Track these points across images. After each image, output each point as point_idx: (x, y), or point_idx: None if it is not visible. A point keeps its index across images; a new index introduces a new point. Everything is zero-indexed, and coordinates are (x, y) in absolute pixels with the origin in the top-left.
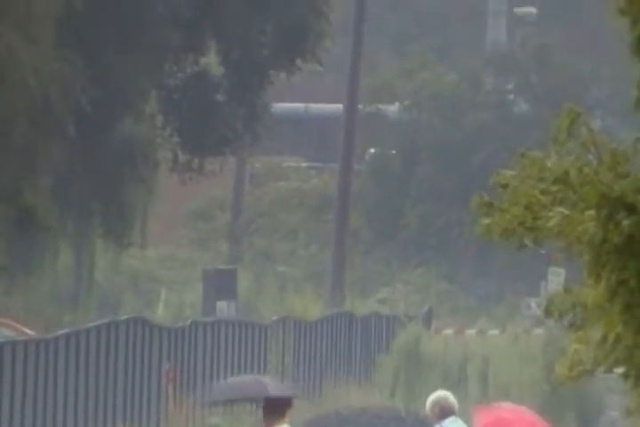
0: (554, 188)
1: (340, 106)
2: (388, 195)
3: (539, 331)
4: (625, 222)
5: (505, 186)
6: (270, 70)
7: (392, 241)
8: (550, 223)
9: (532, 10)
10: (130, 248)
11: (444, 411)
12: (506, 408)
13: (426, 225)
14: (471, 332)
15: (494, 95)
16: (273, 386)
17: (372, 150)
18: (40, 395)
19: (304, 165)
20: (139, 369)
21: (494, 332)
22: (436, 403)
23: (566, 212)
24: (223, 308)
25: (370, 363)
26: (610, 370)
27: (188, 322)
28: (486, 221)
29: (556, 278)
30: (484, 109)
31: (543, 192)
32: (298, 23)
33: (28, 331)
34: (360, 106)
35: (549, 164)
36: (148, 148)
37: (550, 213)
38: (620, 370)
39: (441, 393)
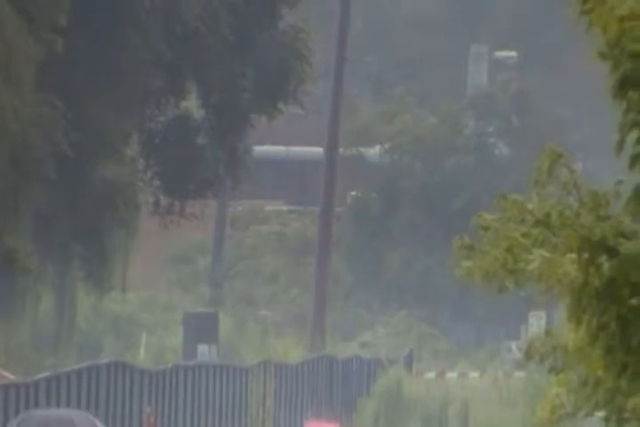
0: (535, 230)
1: (320, 149)
2: (369, 238)
3: (519, 374)
4: (606, 266)
5: (486, 228)
6: (251, 113)
7: (373, 284)
8: (531, 266)
9: (513, 53)
10: (111, 292)
11: None
12: None
13: (407, 268)
14: (452, 375)
15: (475, 139)
16: None
17: (353, 193)
18: None
19: (285, 208)
20: (119, 413)
21: (475, 375)
22: None
23: (547, 255)
24: (204, 351)
25: (351, 406)
26: (591, 413)
27: (169, 366)
28: (467, 263)
29: (536, 322)
30: (464, 153)
31: (524, 235)
32: (279, 66)
33: (8, 375)
34: (341, 149)
35: (530, 206)
36: (129, 191)
37: (531, 256)
38: (600, 414)
39: None
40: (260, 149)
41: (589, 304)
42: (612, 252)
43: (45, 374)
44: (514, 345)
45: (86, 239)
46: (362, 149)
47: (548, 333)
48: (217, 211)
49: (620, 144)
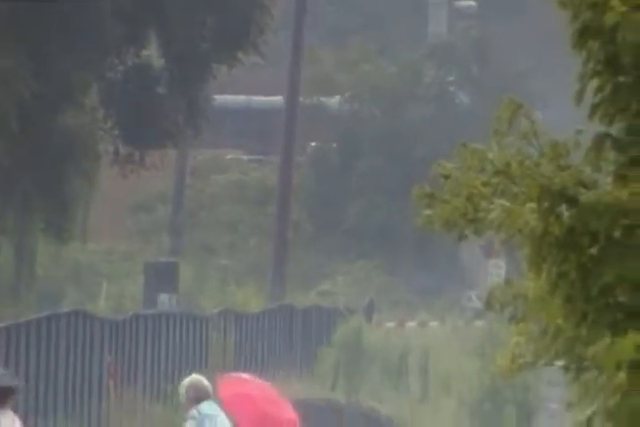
0: (495, 180)
1: (281, 98)
2: (329, 187)
3: (479, 323)
4: (566, 215)
5: (446, 177)
6: (212, 63)
7: (333, 233)
8: (491, 215)
9: (472, 3)
10: (71, 241)
11: (198, 394)
12: (252, 384)
13: (367, 217)
14: (412, 324)
15: (435, 87)
16: None
17: (313, 143)
18: None
19: (245, 157)
20: (79, 362)
21: (435, 324)
22: (191, 386)
23: (507, 204)
24: (164, 300)
25: (311, 355)
26: (550, 363)
27: (129, 315)
28: (427, 212)
29: (496, 271)
30: (425, 102)
31: (484, 184)
32: (240, 16)
33: None
34: (301, 98)
35: (490, 155)
36: (89, 141)
37: (491, 206)
38: (560, 363)
39: (195, 377)
40: (221, 99)
41: (549, 253)
42: (572, 201)
43: (5, 323)
44: (473, 294)
45: (46, 189)
46: (322, 99)
47: (507, 282)
48: (177, 160)
49: (580, 94)
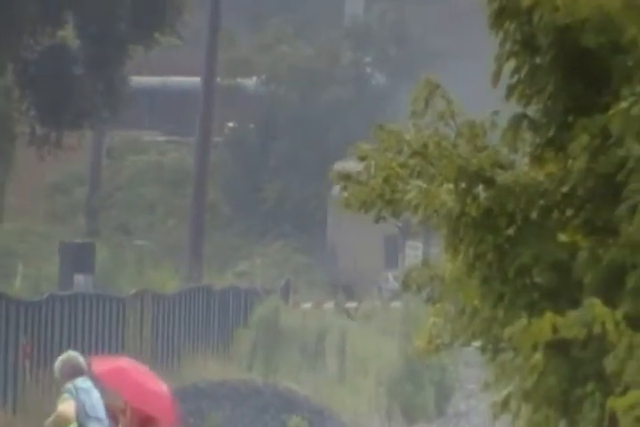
0: (412, 161)
1: (198, 80)
2: (246, 169)
3: (396, 304)
4: (483, 196)
5: (363, 158)
6: (128, 44)
7: (250, 215)
8: (408, 196)
9: None
10: None
11: (74, 370)
12: (122, 359)
13: (284, 199)
14: (329, 305)
15: (352, 69)
16: None
17: (231, 124)
18: None
19: (162, 138)
20: None
21: (352, 305)
22: (66, 362)
23: (424, 185)
24: (80, 281)
25: (228, 336)
26: (467, 343)
27: (45, 296)
28: (344, 194)
29: (413, 252)
30: (342, 83)
31: (401, 165)
32: None
33: None
34: (218, 80)
35: (407, 137)
36: (4, 122)
37: (408, 187)
38: (477, 343)
39: (70, 353)
40: (138, 80)
41: (466, 234)
42: (489, 182)
43: None
44: (391, 275)
45: None
46: (239, 80)
47: (424, 263)
48: (93, 141)
49: (497, 75)
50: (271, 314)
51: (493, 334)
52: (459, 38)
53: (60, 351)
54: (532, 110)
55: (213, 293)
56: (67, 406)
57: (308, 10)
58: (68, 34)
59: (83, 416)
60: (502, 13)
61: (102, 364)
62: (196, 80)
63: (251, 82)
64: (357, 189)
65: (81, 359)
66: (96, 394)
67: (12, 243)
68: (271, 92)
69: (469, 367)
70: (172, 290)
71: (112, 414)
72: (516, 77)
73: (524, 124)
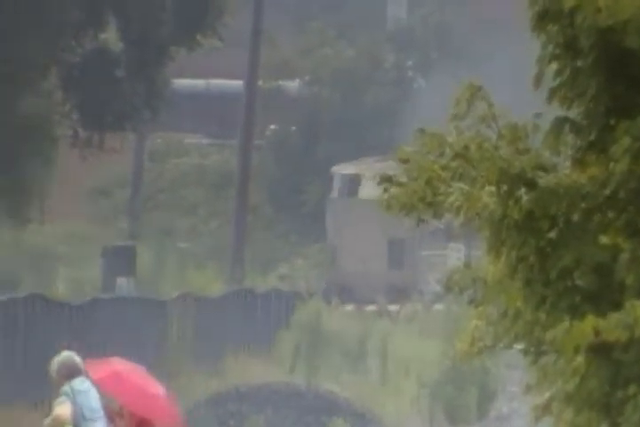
0: (454, 163)
1: (240, 82)
2: (287, 171)
3: (438, 307)
4: (525, 199)
5: (405, 161)
6: (170, 46)
7: (292, 217)
8: (450, 199)
9: None
10: (29, 225)
11: (70, 371)
12: (117, 362)
13: (325, 200)
14: (372, 307)
15: (394, 72)
16: None
17: (273, 127)
18: None
19: (204, 141)
20: (38, 346)
21: (394, 308)
22: (63, 364)
23: (466, 188)
24: (123, 284)
25: (270, 339)
26: (510, 346)
27: (88, 299)
28: (386, 196)
29: (455, 254)
30: (383, 86)
31: (443, 168)
32: None
33: None
34: (260, 82)
35: (449, 139)
36: (47, 124)
37: (450, 189)
38: (519, 346)
39: (66, 353)
40: (180, 82)
41: (508, 237)
42: (531, 185)
43: None
44: (432, 278)
45: (4, 172)
46: (281, 83)
47: (467, 265)
48: (136, 144)
49: (539, 77)
50: (313, 316)
51: (535, 336)
52: (500, 41)
53: (103, 354)
54: (574, 113)
55: (256, 295)
56: (63, 409)
57: (350, 12)
58: (111, 37)
59: (79, 419)
60: (544, 16)
61: (98, 369)
62: (238, 83)
63: (293, 84)
64: (398, 191)
65: (77, 359)
66: (94, 394)
67: (54, 246)
68: (313, 95)
69: (512, 370)
70: (214, 293)
71: (109, 415)
72: (558, 80)
73: (566, 126)
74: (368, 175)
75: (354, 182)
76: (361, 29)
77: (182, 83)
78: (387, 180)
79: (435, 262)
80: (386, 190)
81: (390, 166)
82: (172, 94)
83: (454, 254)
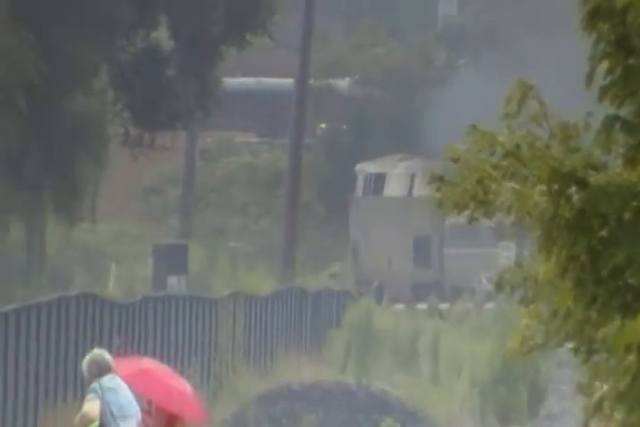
0: (505, 162)
1: (291, 81)
2: (338, 169)
3: (489, 306)
4: (576, 197)
5: (456, 160)
6: (221, 45)
7: (343, 215)
8: (501, 198)
9: None
10: (80, 223)
11: (100, 368)
12: (145, 361)
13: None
14: (422, 306)
15: (445, 70)
16: None
17: (323, 125)
18: None
19: (255, 140)
20: (89, 344)
21: (445, 306)
22: (93, 361)
23: (517, 187)
24: (174, 283)
25: (321, 338)
26: (560, 345)
27: (139, 298)
28: (437, 195)
29: (506, 253)
30: (435, 84)
31: (494, 166)
32: None
33: None
34: (311, 81)
35: (501, 138)
36: (98, 123)
37: (501, 188)
38: (570, 345)
39: (96, 351)
40: (231, 81)
41: (559, 236)
42: (582, 183)
43: (15, 305)
44: (484, 277)
45: (56, 171)
46: (332, 81)
47: (518, 264)
48: (187, 142)
49: (590, 76)
50: (364, 315)
51: (587, 335)
52: (549, 38)
53: (154, 353)
54: (625, 111)
55: (306, 294)
56: (92, 406)
57: (401, 11)
58: (162, 36)
59: (107, 416)
60: (596, 14)
61: (126, 366)
62: (289, 81)
63: (344, 83)
64: (450, 190)
65: (107, 356)
66: (124, 391)
67: (105, 244)
68: (364, 94)
69: (562, 368)
70: (265, 291)
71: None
72: (609, 79)
73: (617, 125)
74: (392, 173)
75: (379, 181)
76: (412, 28)
77: (233, 82)
78: (437, 179)
79: (466, 261)
80: (437, 189)
81: (416, 164)
82: (222, 93)
83: (505, 253)
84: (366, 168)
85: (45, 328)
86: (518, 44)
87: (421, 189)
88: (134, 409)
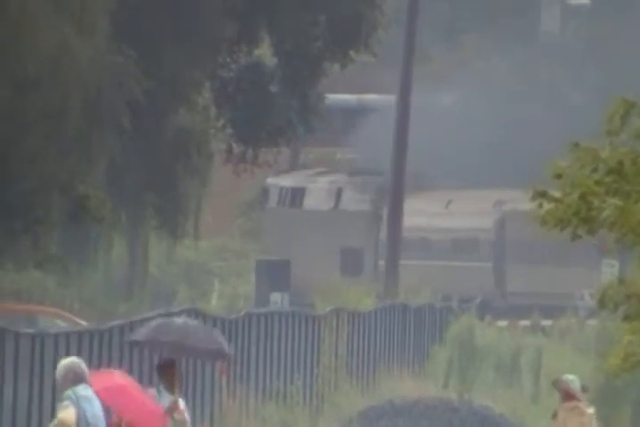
0: (608, 178)
1: (392, 97)
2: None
3: (592, 322)
4: None
5: (559, 176)
6: (323, 61)
7: None
8: (604, 214)
9: (586, 0)
10: (183, 239)
11: (76, 376)
12: (118, 376)
13: None
14: (525, 323)
15: (548, 87)
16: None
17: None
18: None
19: (356, 156)
20: (192, 361)
21: (547, 323)
22: (70, 368)
23: (620, 202)
24: (277, 299)
25: (423, 354)
26: None
27: (242, 313)
28: (541, 211)
29: (609, 270)
30: (537, 101)
31: (597, 183)
32: (351, 14)
33: (81, 322)
34: (412, 96)
35: (603, 154)
36: (201, 139)
37: (604, 204)
38: None
39: (73, 359)
40: (332, 97)
41: None
42: None
43: (119, 321)
44: (586, 293)
45: (159, 187)
46: (434, 97)
47: (621, 281)
48: (289, 158)
49: None
50: (466, 331)
51: None
52: None
53: (257, 369)
54: None
55: (409, 310)
56: (68, 413)
57: (503, 26)
58: (265, 52)
59: (83, 424)
60: None
61: (101, 380)
62: (390, 98)
63: (446, 98)
64: (553, 206)
65: (84, 367)
66: (97, 403)
67: (208, 261)
68: (466, 109)
69: None
70: (367, 307)
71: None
72: None
73: None
74: (313, 187)
75: (297, 194)
76: (514, 43)
77: (334, 97)
78: (541, 194)
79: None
80: (540, 206)
81: (342, 179)
82: (324, 109)
83: (608, 270)
84: (280, 182)
85: None
86: (623, 58)
87: (350, 204)
88: (102, 424)
